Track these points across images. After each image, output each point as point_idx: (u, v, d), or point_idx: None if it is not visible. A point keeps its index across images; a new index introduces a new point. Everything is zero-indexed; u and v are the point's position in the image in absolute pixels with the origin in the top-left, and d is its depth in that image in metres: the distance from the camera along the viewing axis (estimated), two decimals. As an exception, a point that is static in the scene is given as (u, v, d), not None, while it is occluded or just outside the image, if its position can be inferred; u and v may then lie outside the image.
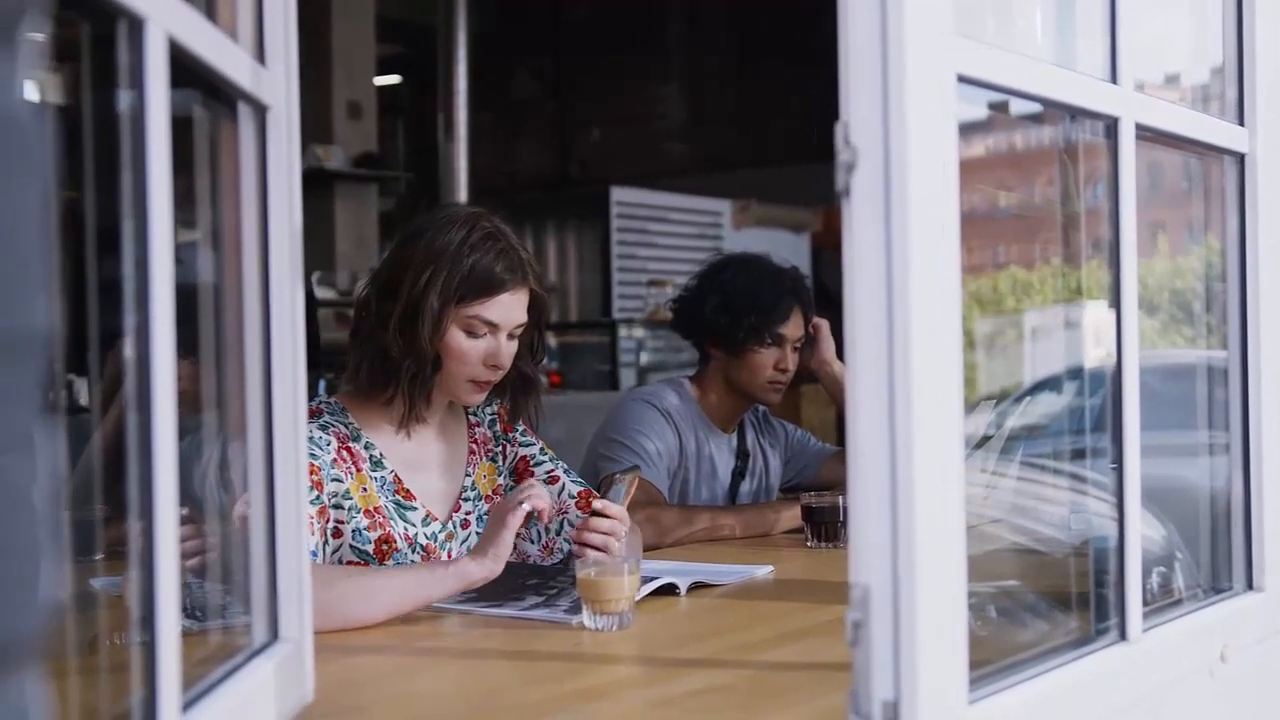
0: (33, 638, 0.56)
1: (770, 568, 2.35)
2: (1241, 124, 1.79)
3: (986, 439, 2.21)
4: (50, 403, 0.59)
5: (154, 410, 0.98)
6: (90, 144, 1.03)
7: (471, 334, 2.16)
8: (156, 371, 0.97)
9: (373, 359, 2.16)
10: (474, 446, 2.34)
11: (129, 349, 0.97)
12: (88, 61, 0.97)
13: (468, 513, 2.28)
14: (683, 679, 1.62)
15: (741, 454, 3.11)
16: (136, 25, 0.96)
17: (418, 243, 2.15)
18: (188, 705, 1.06)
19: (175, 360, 0.99)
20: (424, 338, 2.12)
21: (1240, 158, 1.79)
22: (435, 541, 2.21)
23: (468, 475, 2.30)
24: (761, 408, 3.16)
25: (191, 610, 1.29)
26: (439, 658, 1.76)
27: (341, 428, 2.18)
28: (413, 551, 2.17)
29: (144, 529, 0.98)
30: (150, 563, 0.98)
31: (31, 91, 0.60)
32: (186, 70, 1.08)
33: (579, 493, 2.32)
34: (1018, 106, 1.56)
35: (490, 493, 2.32)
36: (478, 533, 2.26)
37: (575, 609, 1.90)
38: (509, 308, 2.17)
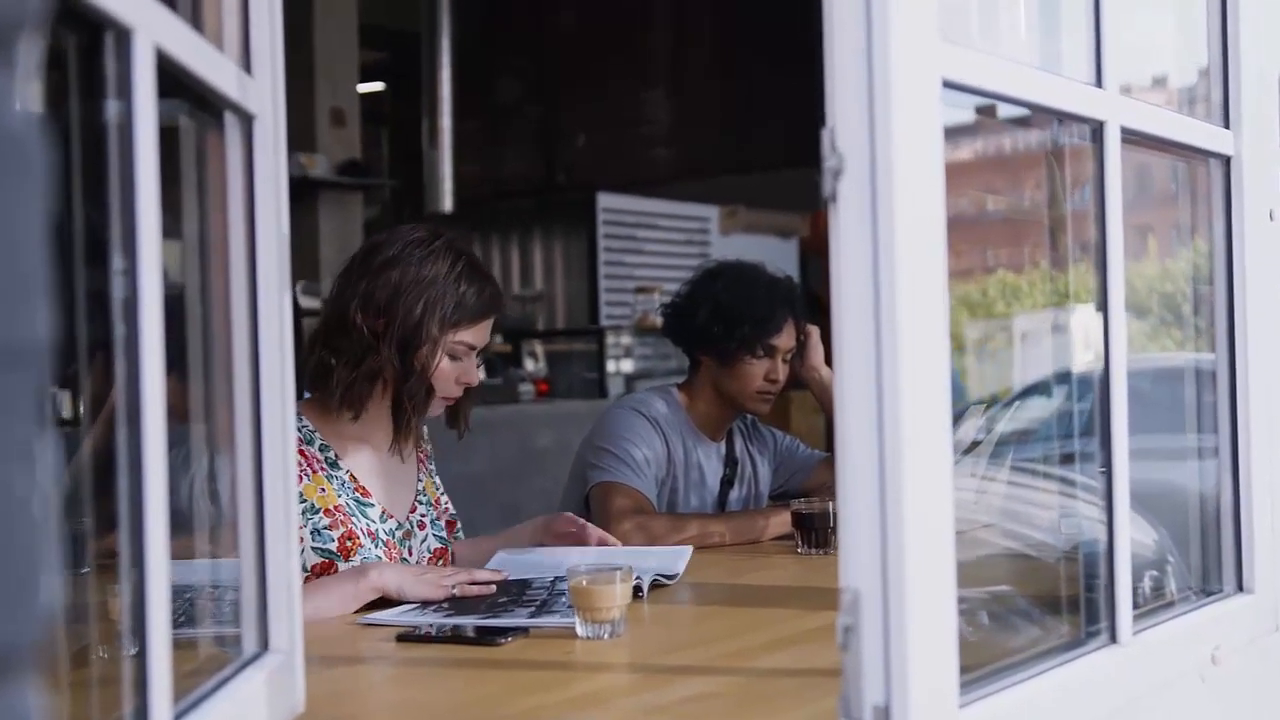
0: (33, 646, 0.57)
1: (689, 549, 2.40)
2: (1227, 126, 1.79)
3: (976, 444, 2.22)
4: (48, 414, 0.59)
5: (144, 422, 0.97)
6: (75, 153, 1.02)
7: (454, 358, 2.27)
8: (146, 383, 0.97)
9: (365, 378, 2.23)
10: (421, 456, 2.45)
11: (118, 361, 0.96)
12: (73, 70, 0.97)
13: (422, 515, 2.39)
14: (675, 686, 1.62)
15: (730, 462, 3.11)
16: (124, 36, 0.96)
17: (401, 269, 2.23)
18: (178, 717, 1.06)
19: (164, 372, 0.99)
20: (421, 363, 2.22)
21: (1226, 160, 1.80)
22: (394, 538, 2.30)
23: (419, 481, 2.42)
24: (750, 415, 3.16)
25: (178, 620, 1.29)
26: (430, 667, 1.76)
27: (294, 432, 2.20)
28: (375, 546, 2.25)
29: (133, 541, 0.98)
30: (141, 575, 0.97)
31: (30, 102, 0.60)
32: (172, 79, 1.08)
33: (436, 549, 2.40)
34: (1005, 110, 1.56)
35: (434, 501, 2.44)
36: (434, 534, 2.39)
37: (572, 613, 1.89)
38: (488, 332, 2.32)
